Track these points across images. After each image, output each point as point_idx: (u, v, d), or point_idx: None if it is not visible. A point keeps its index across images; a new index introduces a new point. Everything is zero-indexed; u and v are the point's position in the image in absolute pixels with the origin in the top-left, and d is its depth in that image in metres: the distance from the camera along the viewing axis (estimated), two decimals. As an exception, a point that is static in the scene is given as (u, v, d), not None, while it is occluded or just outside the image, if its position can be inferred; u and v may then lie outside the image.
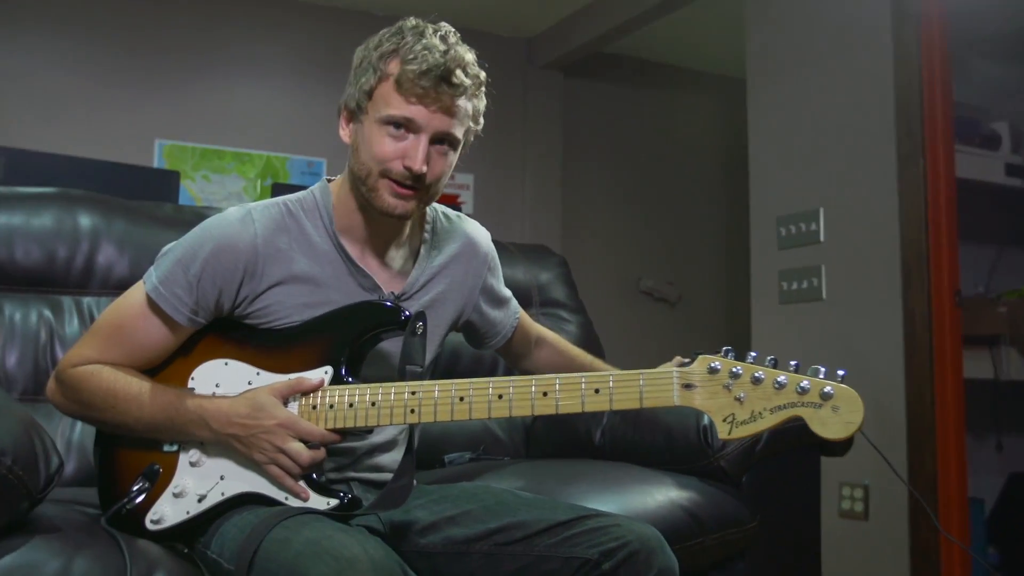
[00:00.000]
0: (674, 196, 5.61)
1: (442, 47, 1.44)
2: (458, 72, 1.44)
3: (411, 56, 1.42)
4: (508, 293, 1.80)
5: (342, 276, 1.54)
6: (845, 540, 3.14)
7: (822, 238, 3.35)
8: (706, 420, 1.86)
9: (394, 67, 1.44)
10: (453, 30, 1.50)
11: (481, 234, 1.74)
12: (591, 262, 5.11)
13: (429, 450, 2.11)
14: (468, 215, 1.76)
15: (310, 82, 4.79)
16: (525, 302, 2.37)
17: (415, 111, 1.44)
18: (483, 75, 1.51)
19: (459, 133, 1.49)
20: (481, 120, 1.54)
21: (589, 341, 2.45)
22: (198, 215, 2.09)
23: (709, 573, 1.83)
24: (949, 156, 3.09)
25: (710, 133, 5.74)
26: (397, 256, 1.60)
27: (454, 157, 1.52)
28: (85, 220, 2.09)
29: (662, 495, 1.76)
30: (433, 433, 2.17)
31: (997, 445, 3.69)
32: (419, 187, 1.47)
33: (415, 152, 1.44)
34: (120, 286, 1.96)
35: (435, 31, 1.47)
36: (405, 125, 1.45)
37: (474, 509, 1.48)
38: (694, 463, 1.88)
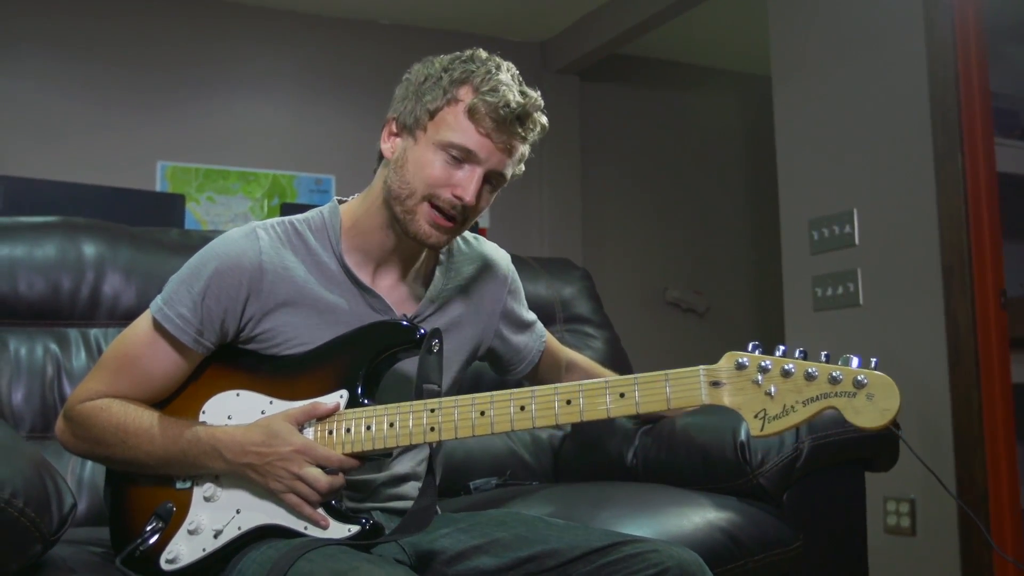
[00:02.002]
0: (699, 201, 5.52)
1: (518, 87, 1.45)
2: (534, 116, 1.46)
3: (488, 87, 1.42)
4: (532, 317, 1.78)
5: (352, 298, 1.51)
6: (892, 557, 3.07)
7: (857, 241, 3.28)
8: (743, 436, 1.80)
9: (466, 94, 1.43)
10: (518, 73, 1.49)
11: (500, 256, 1.71)
12: (614, 274, 5.04)
13: (454, 477, 2.06)
14: (484, 227, 1.70)
15: (315, 96, 4.77)
16: (548, 319, 2.32)
17: (481, 144, 1.43)
18: (546, 124, 1.50)
19: (508, 175, 1.49)
20: (523, 167, 1.53)
21: (616, 357, 2.39)
22: (205, 239, 2.02)
23: (752, 597, 1.75)
24: (989, 150, 3.01)
25: (735, 134, 5.66)
26: (410, 279, 1.58)
27: (494, 196, 1.52)
28: (89, 249, 2.06)
29: (699, 517, 1.69)
30: (457, 459, 2.12)
31: (1050, 452, 3.56)
32: (460, 218, 1.46)
33: (468, 184, 1.43)
34: (127, 316, 1.94)
35: (507, 68, 1.47)
36: (464, 155, 1.43)
37: (503, 537, 1.44)
38: (732, 482, 1.81)
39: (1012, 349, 3.01)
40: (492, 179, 1.47)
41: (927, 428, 2.99)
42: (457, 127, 1.43)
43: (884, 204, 3.20)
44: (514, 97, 1.42)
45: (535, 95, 1.47)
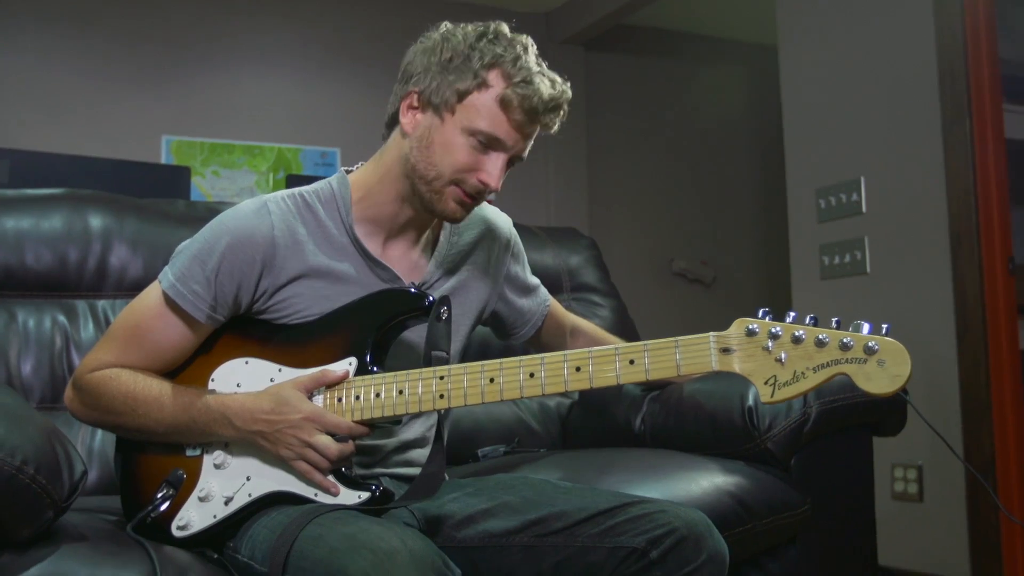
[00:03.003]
0: (706, 172, 5.49)
1: (549, 78, 1.44)
2: (564, 107, 1.47)
3: (520, 78, 1.42)
4: (536, 281, 1.77)
5: (361, 269, 1.51)
6: (900, 523, 3.07)
7: (864, 209, 3.26)
8: (751, 401, 1.80)
9: (496, 79, 1.43)
10: (536, 50, 1.48)
11: (502, 220, 1.71)
12: (621, 244, 5.02)
13: (462, 445, 2.06)
14: (490, 201, 1.70)
15: (320, 69, 4.73)
16: (555, 287, 2.32)
17: (509, 134, 1.44)
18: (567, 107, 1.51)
19: (526, 156, 1.50)
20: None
21: (624, 326, 2.39)
22: (211, 211, 2.05)
23: (760, 559, 1.77)
24: (997, 116, 2.99)
25: (741, 104, 5.62)
26: (417, 247, 1.57)
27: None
28: (96, 221, 2.06)
29: (707, 481, 1.69)
30: (465, 428, 2.12)
31: (1057, 418, 3.55)
32: (480, 198, 1.48)
33: (494, 170, 1.44)
34: (135, 287, 1.94)
35: (532, 50, 1.46)
36: (492, 143, 1.43)
37: (511, 500, 1.44)
38: (740, 447, 1.81)
39: (1020, 316, 3.00)
40: (515, 161, 1.48)
41: (935, 395, 2.98)
42: (487, 115, 1.42)
43: (891, 172, 3.18)
44: (547, 89, 1.42)
45: (565, 86, 1.46)
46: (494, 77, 1.42)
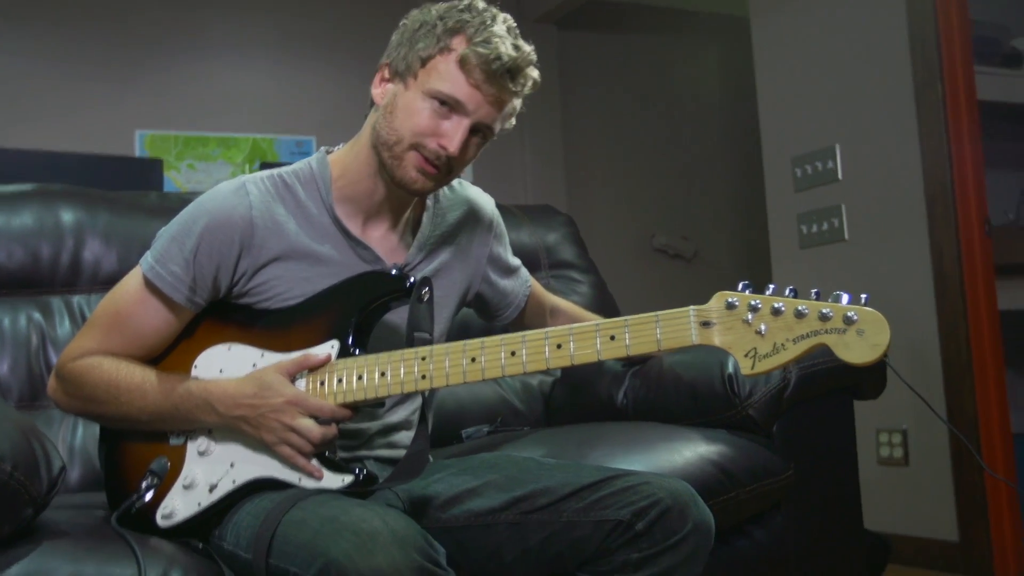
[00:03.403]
0: (683, 146, 5.48)
1: (513, 40, 1.43)
2: (526, 71, 1.44)
3: (482, 38, 1.41)
4: (517, 262, 1.78)
5: (342, 249, 1.50)
6: (887, 487, 3.09)
7: (840, 176, 3.27)
8: (731, 368, 1.80)
9: (460, 43, 1.42)
10: (516, 25, 1.47)
11: (485, 200, 1.71)
12: (600, 222, 5.01)
13: (446, 426, 2.06)
14: (469, 181, 1.70)
15: (292, 58, 4.69)
16: (533, 265, 2.31)
17: (470, 95, 1.42)
18: (538, 79, 1.49)
19: (497, 128, 1.48)
20: (514, 121, 1.52)
21: (604, 302, 2.39)
22: (184, 201, 2.02)
23: (746, 527, 1.77)
24: (969, 78, 2.99)
25: (716, 76, 5.61)
26: (399, 227, 1.57)
27: (482, 148, 1.51)
28: (67, 215, 2.05)
29: (690, 451, 1.70)
30: (448, 409, 2.12)
31: (1038, 377, 3.59)
32: (445, 168, 1.45)
33: (455, 134, 1.42)
34: (110, 281, 1.90)
35: (504, 20, 1.45)
36: (453, 104, 1.42)
37: (496, 479, 1.44)
38: (721, 415, 1.81)
39: (998, 276, 3.00)
40: (480, 131, 1.46)
41: (916, 358, 3.00)
42: (447, 76, 1.41)
43: (866, 138, 3.19)
44: (506, 50, 1.40)
45: (528, 49, 1.45)
46: (457, 41, 1.42)
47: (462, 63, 1.40)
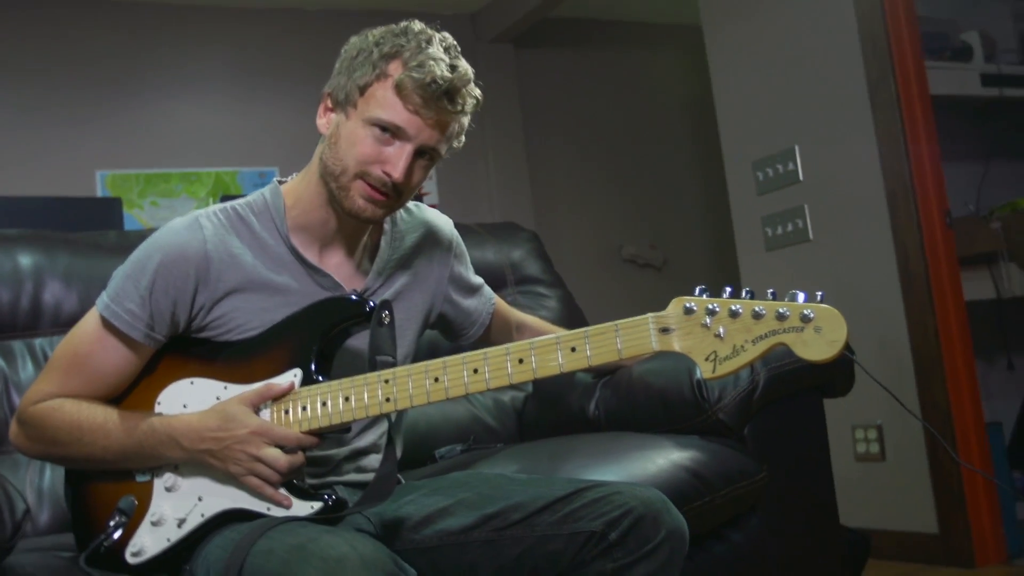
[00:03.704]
0: (646, 156, 5.51)
1: (449, 61, 1.42)
2: (463, 91, 1.43)
3: (416, 63, 1.40)
4: (479, 280, 1.77)
5: (300, 278, 1.50)
6: (865, 483, 3.10)
7: (801, 177, 3.29)
8: (699, 374, 1.80)
9: (395, 69, 1.41)
10: (455, 44, 1.46)
11: (443, 222, 1.70)
12: (568, 236, 5.03)
13: (418, 447, 2.05)
14: (433, 205, 1.70)
15: (250, 90, 4.71)
16: (499, 283, 2.31)
17: (409, 120, 1.41)
18: (480, 96, 1.47)
19: (443, 150, 1.47)
20: (463, 138, 1.50)
21: (572, 314, 2.40)
22: (143, 238, 1.97)
23: (722, 531, 1.77)
24: (920, 73, 3.02)
25: (674, 86, 5.65)
26: (356, 253, 1.56)
27: (431, 169, 1.50)
28: (25, 259, 2.03)
29: (663, 458, 1.69)
30: (420, 430, 2.11)
31: (1008, 365, 3.61)
32: (393, 194, 1.44)
33: (398, 160, 1.41)
34: (71, 321, 1.85)
35: (440, 40, 1.44)
36: (394, 131, 1.41)
37: (467, 497, 1.43)
38: (692, 420, 1.81)
39: (962, 267, 3.03)
40: (426, 153, 1.45)
41: (887, 353, 3.01)
42: (385, 103, 1.40)
43: (824, 137, 3.21)
44: (441, 72, 1.39)
45: (465, 68, 1.44)
46: (393, 67, 1.42)
47: (399, 89, 1.40)
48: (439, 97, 1.40)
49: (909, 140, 2.97)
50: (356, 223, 1.50)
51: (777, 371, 1.79)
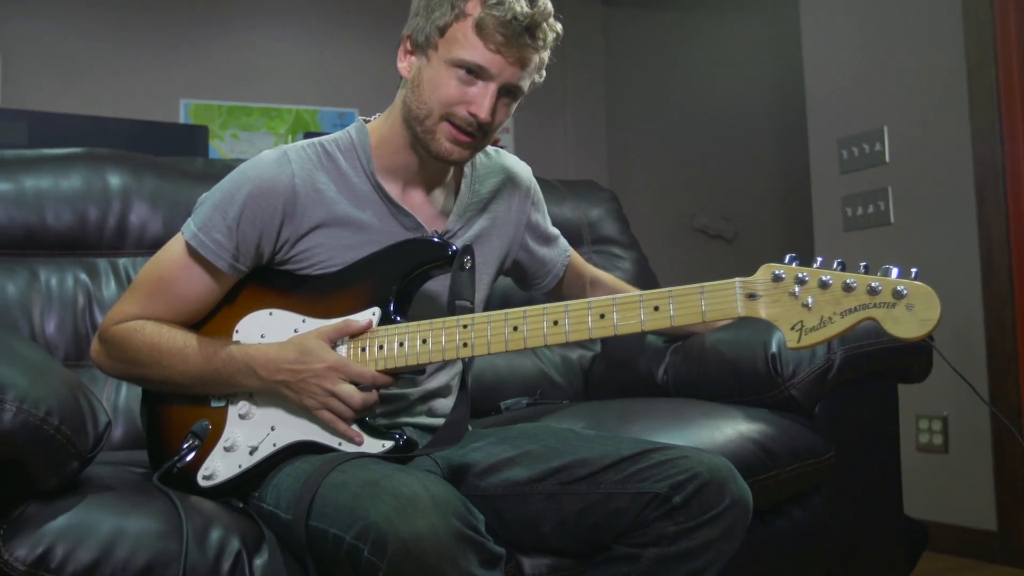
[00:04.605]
0: (726, 125, 5.40)
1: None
2: (544, 26, 1.42)
3: (496, 1, 1.37)
4: (556, 231, 1.77)
5: (384, 217, 1.51)
6: (925, 475, 3.05)
7: (888, 159, 3.20)
8: (774, 348, 1.78)
9: (474, 7, 1.40)
10: None
11: (521, 168, 1.70)
12: (641, 201, 4.97)
13: (484, 398, 2.07)
14: (510, 153, 1.69)
15: (336, 29, 4.71)
16: (576, 240, 2.30)
17: (492, 59, 1.40)
18: (560, 30, 1.46)
19: (526, 86, 1.46)
20: (544, 73, 1.49)
21: (646, 277, 2.39)
22: (229, 168, 2.00)
23: (784, 507, 1.75)
24: (1023, 63, 2.89)
25: (762, 55, 5.51)
26: (438, 195, 1.57)
27: (514, 107, 1.49)
28: (115, 179, 2.07)
29: (731, 429, 1.68)
30: (487, 381, 2.12)
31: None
32: (479, 134, 1.44)
33: (483, 100, 1.41)
34: (155, 244, 1.93)
35: None
36: (477, 71, 1.40)
37: (534, 449, 1.44)
38: (763, 394, 1.79)
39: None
40: (510, 91, 1.45)
41: (961, 344, 2.95)
42: (467, 44, 1.40)
43: (915, 120, 3.13)
44: (521, 8, 1.38)
45: (544, 2, 1.43)
46: (472, 6, 1.41)
47: (479, 28, 1.39)
48: (520, 34, 1.39)
49: (1004, 131, 2.87)
50: (439, 165, 1.51)
51: (854, 351, 1.76)
